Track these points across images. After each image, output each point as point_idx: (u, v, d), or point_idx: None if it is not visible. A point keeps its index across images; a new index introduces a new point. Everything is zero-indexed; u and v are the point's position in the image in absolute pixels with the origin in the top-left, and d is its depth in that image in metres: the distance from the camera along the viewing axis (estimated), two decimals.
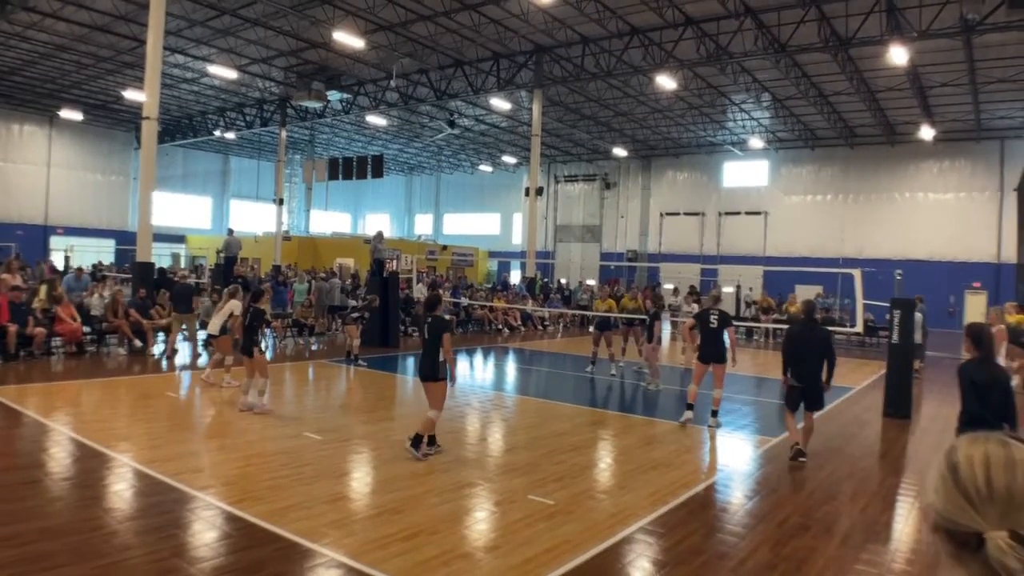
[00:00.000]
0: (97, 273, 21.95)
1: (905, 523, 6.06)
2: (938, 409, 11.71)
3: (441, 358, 7.17)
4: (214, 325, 10.91)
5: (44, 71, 28.35)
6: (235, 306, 10.48)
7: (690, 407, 9.35)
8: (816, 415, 7.91)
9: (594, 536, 5.26)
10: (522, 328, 23.28)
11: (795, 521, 5.85)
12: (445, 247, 39.83)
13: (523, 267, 31.93)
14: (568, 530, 5.37)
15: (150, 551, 4.67)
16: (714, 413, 9.38)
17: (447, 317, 7.58)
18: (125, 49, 24.24)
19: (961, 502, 1.07)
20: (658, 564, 4.96)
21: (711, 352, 9.21)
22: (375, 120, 32.30)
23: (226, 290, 11.20)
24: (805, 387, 7.56)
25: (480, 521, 5.67)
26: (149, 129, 15.93)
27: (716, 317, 9.27)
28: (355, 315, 14.35)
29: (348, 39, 20.72)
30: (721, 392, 9.40)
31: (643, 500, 6.22)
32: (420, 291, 22.00)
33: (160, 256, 33.43)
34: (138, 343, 13.90)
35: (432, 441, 7.40)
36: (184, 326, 14.06)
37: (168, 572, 4.36)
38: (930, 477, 1.14)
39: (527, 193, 27.24)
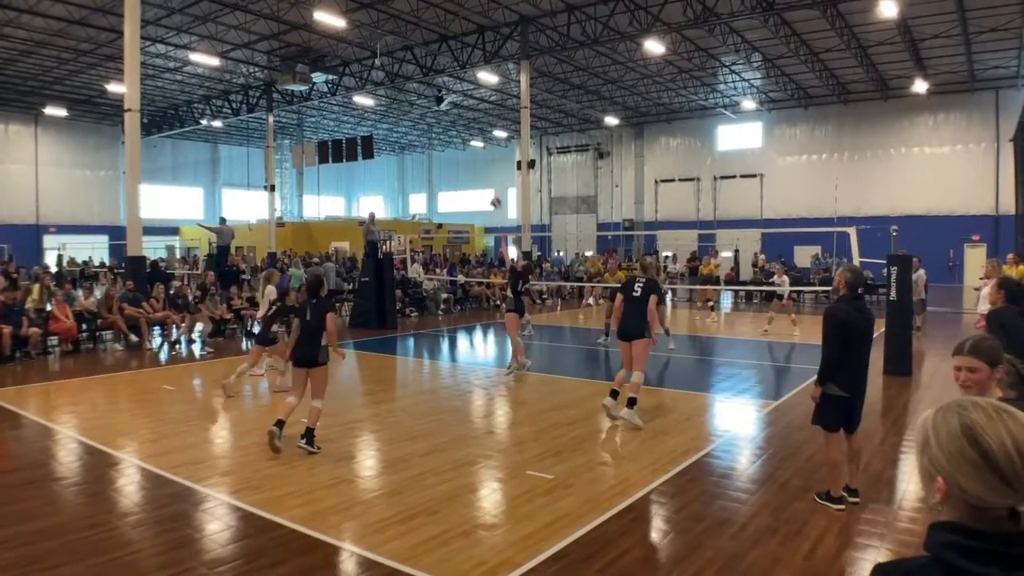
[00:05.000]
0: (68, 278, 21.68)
1: (908, 481, 6.04)
2: (938, 366, 11.68)
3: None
4: (262, 311, 11.17)
5: (25, 68, 27.94)
6: (271, 292, 10.71)
7: (613, 394, 7.88)
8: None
9: (594, 508, 5.24)
10: None
11: (796, 484, 5.83)
12: (440, 225, 39.64)
13: (519, 242, 31.79)
14: (567, 504, 5.35)
15: (148, 546, 4.66)
16: (631, 402, 7.55)
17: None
18: (105, 42, 23.86)
19: (997, 484, 1.15)
20: (659, 532, 4.95)
21: (630, 326, 7.79)
22: (362, 100, 31.94)
23: (263, 275, 11.50)
24: (851, 397, 5.23)
25: (478, 499, 5.64)
26: (132, 121, 15.71)
27: (641, 286, 7.95)
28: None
29: (329, 19, 20.38)
30: (641, 376, 7.79)
31: (643, 469, 6.20)
32: (416, 271, 21.93)
33: (155, 249, 33.41)
34: (134, 337, 13.85)
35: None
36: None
37: (167, 566, 4.34)
38: (945, 454, 1.20)
39: (519, 167, 27.01)
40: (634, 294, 7.92)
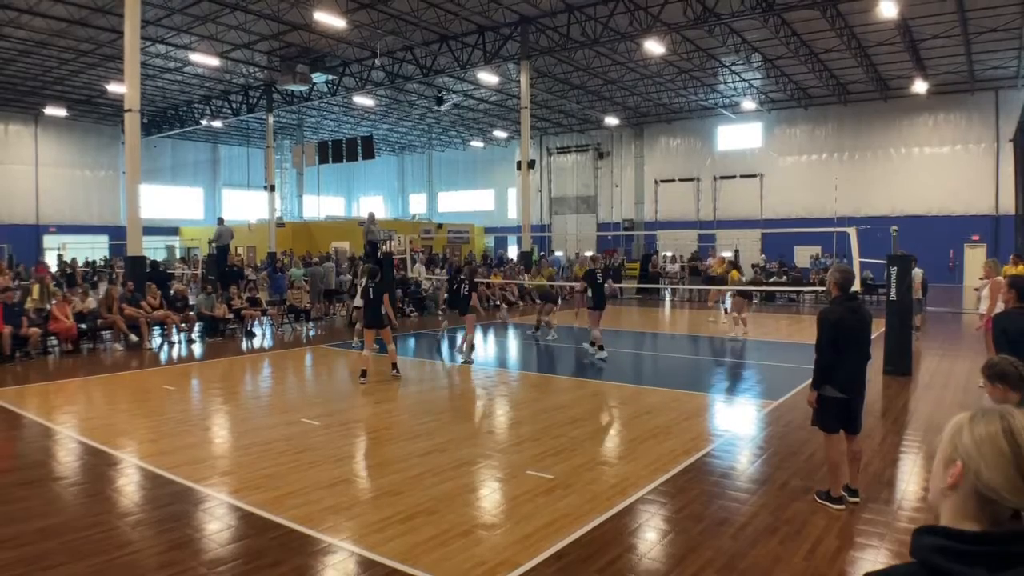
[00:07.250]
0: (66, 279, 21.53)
1: (908, 481, 6.04)
2: (939, 365, 11.69)
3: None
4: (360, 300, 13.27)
5: (25, 68, 27.93)
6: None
7: (601, 347, 11.86)
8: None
9: (594, 508, 5.24)
10: (520, 303, 23.22)
11: (796, 484, 5.83)
12: (440, 225, 39.62)
13: (519, 241, 31.79)
14: (567, 503, 5.35)
15: (148, 545, 4.66)
16: (592, 344, 12.01)
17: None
18: (105, 42, 23.86)
19: (1018, 483, 1.15)
20: (659, 533, 4.94)
21: (600, 301, 12.23)
22: (362, 100, 31.94)
23: (367, 268, 12.99)
24: (849, 398, 5.24)
25: (478, 499, 5.64)
26: (132, 121, 15.73)
27: (600, 274, 12.30)
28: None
29: (329, 19, 20.38)
30: (598, 332, 12.11)
31: (643, 469, 6.20)
32: (417, 271, 21.91)
33: (155, 249, 33.40)
34: (133, 337, 13.85)
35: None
36: None
37: (167, 565, 4.34)
38: (975, 441, 1.19)
39: (519, 167, 27.01)
40: (598, 280, 12.24)
